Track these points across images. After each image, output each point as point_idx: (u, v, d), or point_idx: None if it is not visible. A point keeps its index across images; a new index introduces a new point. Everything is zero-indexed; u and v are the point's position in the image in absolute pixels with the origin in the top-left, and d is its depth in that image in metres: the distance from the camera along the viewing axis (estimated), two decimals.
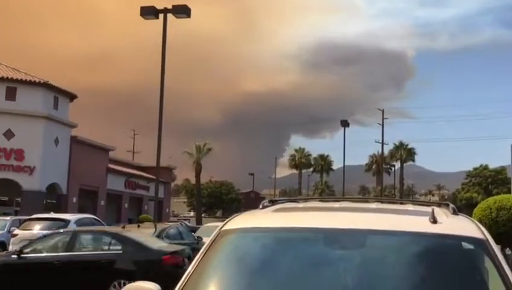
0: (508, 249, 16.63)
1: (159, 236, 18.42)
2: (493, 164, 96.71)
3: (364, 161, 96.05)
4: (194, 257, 3.30)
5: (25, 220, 22.13)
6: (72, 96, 42.38)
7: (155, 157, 30.26)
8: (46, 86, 39.21)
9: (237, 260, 3.26)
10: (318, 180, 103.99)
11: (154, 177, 36.01)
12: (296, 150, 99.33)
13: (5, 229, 23.06)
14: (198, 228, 29.43)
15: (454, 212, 3.57)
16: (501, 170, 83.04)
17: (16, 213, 35.19)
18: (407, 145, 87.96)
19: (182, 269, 13.75)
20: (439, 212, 3.43)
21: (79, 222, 20.42)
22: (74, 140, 41.38)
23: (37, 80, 38.97)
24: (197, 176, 63.94)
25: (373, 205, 3.83)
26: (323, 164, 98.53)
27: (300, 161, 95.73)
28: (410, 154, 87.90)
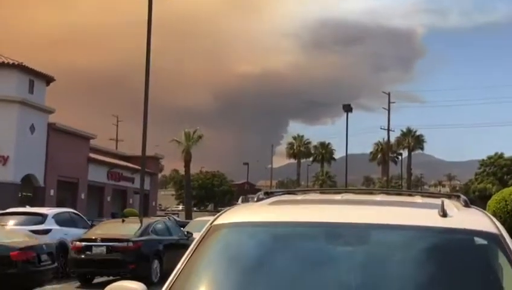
0: None
1: (145, 231, 18.50)
2: (509, 152, 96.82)
3: (368, 149, 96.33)
4: (183, 253, 3.31)
5: None
6: (49, 79, 42.22)
7: (140, 146, 30.27)
8: (21, 68, 39.02)
9: (229, 258, 3.27)
10: (318, 171, 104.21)
11: (139, 167, 35.97)
12: (294, 138, 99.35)
13: None
14: (188, 222, 29.51)
15: (466, 205, 3.58)
16: None
17: None
18: (415, 131, 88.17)
19: (34, 266, 13.72)
20: (450, 205, 3.44)
21: (57, 217, 20.43)
22: (52, 127, 41.28)
23: (10, 62, 38.78)
24: (187, 166, 63.93)
25: (378, 197, 3.84)
26: (324, 152, 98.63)
27: (299, 150, 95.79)
28: (418, 141, 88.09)
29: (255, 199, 3.83)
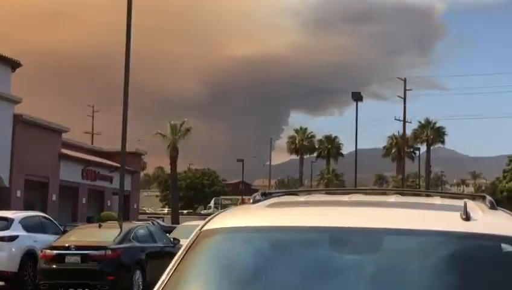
0: None
1: (125, 238, 18.52)
2: None
3: (381, 143, 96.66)
4: (169, 263, 3.32)
5: None
6: (14, 64, 42.15)
7: (120, 140, 30.25)
8: None
9: (221, 268, 3.27)
10: (324, 168, 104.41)
11: (119, 165, 35.95)
12: (296, 131, 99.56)
13: None
14: (175, 227, 29.56)
15: (492, 207, 3.58)
16: None
17: None
18: (435, 123, 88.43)
19: None
20: (474, 207, 3.45)
21: (25, 222, 20.42)
22: (18, 119, 41.23)
23: None
24: (173, 163, 64.00)
25: (392, 199, 3.85)
26: (331, 147, 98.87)
27: (302, 144, 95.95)
28: (438, 134, 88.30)
29: (251, 201, 3.83)
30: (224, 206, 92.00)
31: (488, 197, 3.75)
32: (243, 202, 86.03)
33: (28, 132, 41.62)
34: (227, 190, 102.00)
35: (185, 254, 3.31)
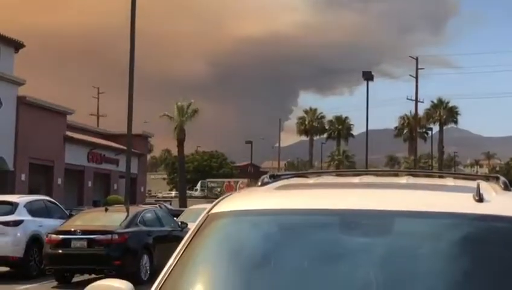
0: None
1: (132, 222, 18.58)
2: None
3: (393, 124, 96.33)
4: (176, 247, 3.33)
5: None
6: (17, 45, 42.15)
7: (126, 122, 30.26)
8: None
9: (229, 252, 3.28)
10: (334, 150, 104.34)
11: (125, 147, 36.01)
12: (306, 111, 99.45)
13: None
14: (182, 211, 29.61)
15: (506, 188, 3.58)
16: None
17: None
18: (447, 102, 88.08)
19: None
20: (487, 188, 3.45)
21: (30, 206, 20.50)
22: (22, 101, 41.29)
23: None
24: (180, 145, 64.02)
25: (404, 180, 3.85)
26: (341, 128, 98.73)
27: (312, 125, 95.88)
28: (451, 114, 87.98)
29: (259, 183, 3.84)
30: (211, 189, 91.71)
31: (502, 178, 3.74)
32: (228, 186, 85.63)
33: (31, 114, 41.67)
34: (236, 173, 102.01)
35: (192, 238, 3.31)
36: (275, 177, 3.99)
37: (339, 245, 3.18)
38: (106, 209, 20.02)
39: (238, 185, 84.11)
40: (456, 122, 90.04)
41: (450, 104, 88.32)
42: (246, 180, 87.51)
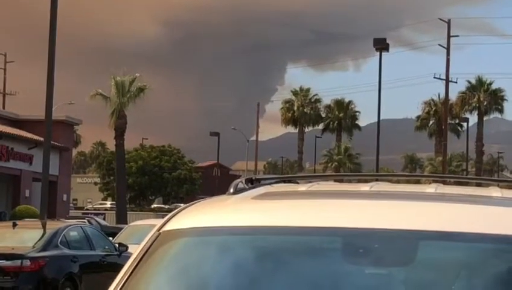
0: None
1: (50, 242, 18.51)
2: None
3: (414, 112, 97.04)
4: (113, 278, 3.31)
5: None
6: None
7: (43, 103, 30.09)
8: None
9: (189, 287, 3.28)
10: (333, 146, 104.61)
11: (42, 138, 35.73)
12: (294, 92, 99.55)
13: None
14: (121, 228, 29.60)
15: None
16: None
17: None
18: (490, 83, 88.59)
19: None
20: None
21: None
22: None
23: None
24: (119, 137, 63.81)
25: (430, 189, 3.88)
26: (343, 116, 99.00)
27: (302, 112, 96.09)
28: (495, 99, 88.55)
29: (231, 190, 3.85)
30: None
31: None
32: None
33: None
34: (196, 176, 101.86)
35: (135, 267, 3.30)
36: (252, 183, 4.00)
37: (341, 278, 3.19)
38: (14, 225, 19.93)
39: None
40: (501, 110, 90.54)
41: (494, 86, 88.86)
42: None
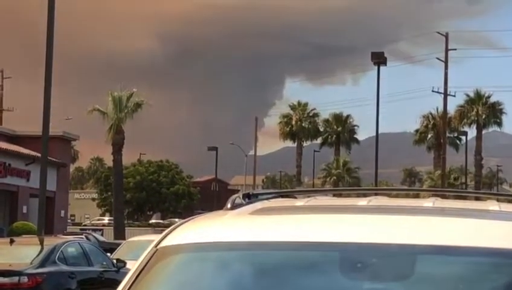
0: None
1: (48, 259, 18.50)
2: None
3: (413, 125, 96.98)
4: None
5: None
6: None
7: (40, 118, 30.11)
8: None
9: None
10: (331, 160, 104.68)
11: (39, 154, 35.73)
12: (292, 107, 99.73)
13: None
14: (119, 244, 29.58)
15: None
16: None
17: None
18: (488, 97, 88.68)
19: None
20: None
21: None
22: None
23: None
24: (116, 152, 63.84)
25: (428, 203, 3.89)
26: (341, 130, 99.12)
27: (300, 126, 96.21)
28: (494, 113, 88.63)
29: (228, 205, 3.85)
30: None
31: None
32: None
33: None
34: (194, 191, 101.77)
35: (133, 283, 3.30)
36: (250, 198, 4.00)
37: None
38: (11, 241, 19.92)
39: None
40: (499, 124, 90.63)
41: (492, 99, 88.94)
42: None
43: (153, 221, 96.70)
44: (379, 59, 57.77)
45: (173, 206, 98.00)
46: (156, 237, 3.64)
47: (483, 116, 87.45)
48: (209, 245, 3.37)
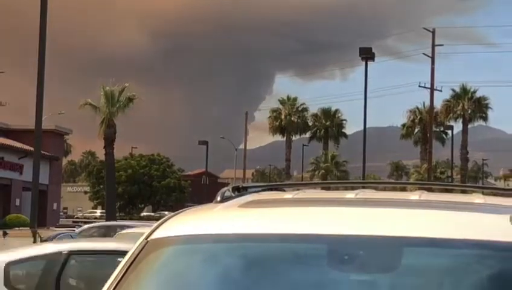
0: None
1: None
2: None
3: (400, 120, 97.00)
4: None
5: None
6: None
7: (33, 113, 30.03)
8: None
9: None
10: (320, 154, 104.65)
11: (31, 148, 35.68)
12: (282, 101, 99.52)
13: None
14: (112, 236, 29.53)
15: None
16: None
17: None
18: (474, 92, 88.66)
19: None
20: None
21: None
22: None
23: None
24: (108, 146, 63.69)
25: (415, 196, 3.88)
26: (330, 124, 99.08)
27: (290, 120, 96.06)
28: (480, 107, 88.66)
29: (218, 198, 3.85)
30: None
31: None
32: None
33: None
34: (185, 184, 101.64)
35: (123, 275, 3.30)
36: (239, 191, 4.01)
37: (326, 284, 3.20)
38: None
39: None
40: (485, 118, 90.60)
41: (478, 94, 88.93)
42: None
43: (144, 214, 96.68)
44: (367, 54, 57.86)
45: (164, 199, 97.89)
46: (147, 230, 3.64)
47: (469, 111, 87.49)
48: (199, 237, 3.37)
